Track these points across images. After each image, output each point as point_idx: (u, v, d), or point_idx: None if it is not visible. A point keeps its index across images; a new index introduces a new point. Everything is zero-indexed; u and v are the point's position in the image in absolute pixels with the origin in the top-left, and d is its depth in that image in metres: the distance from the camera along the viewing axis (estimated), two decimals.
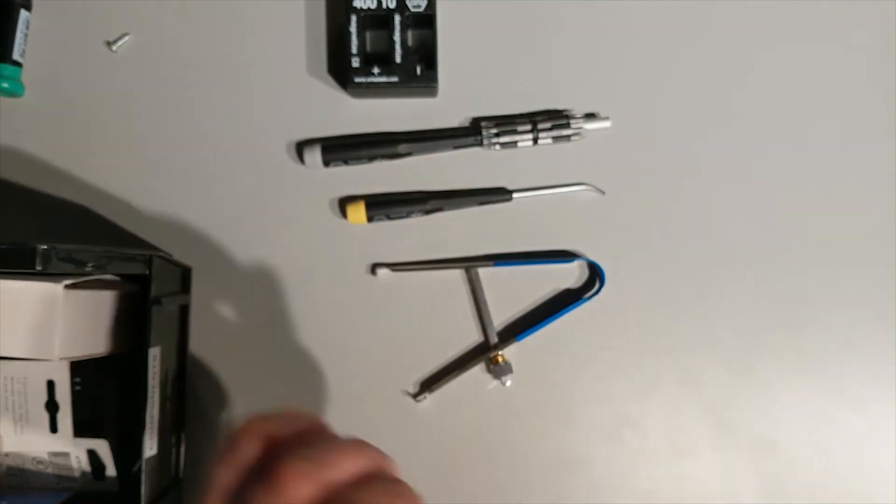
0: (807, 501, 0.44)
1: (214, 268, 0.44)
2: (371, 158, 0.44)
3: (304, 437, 0.29)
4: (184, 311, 0.43)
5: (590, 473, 0.44)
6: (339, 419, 0.44)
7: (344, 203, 0.45)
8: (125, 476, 0.40)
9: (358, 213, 0.44)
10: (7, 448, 0.39)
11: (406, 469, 0.44)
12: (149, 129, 0.45)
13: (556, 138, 0.44)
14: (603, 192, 0.45)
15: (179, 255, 0.44)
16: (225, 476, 0.29)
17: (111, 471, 0.40)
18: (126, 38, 0.45)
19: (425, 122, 0.45)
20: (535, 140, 0.44)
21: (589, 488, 0.44)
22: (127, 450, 0.40)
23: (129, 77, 0.45)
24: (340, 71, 0.44)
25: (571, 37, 0.45)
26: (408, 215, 0.44)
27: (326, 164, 0.44)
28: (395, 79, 0.43)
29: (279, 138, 0.45)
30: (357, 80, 0.43)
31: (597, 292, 0.44)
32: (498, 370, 0.44)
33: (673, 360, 0.45)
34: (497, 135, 0.44)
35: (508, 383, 0.44)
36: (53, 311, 0.35)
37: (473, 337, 0.45)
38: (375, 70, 0.43)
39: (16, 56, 0.43)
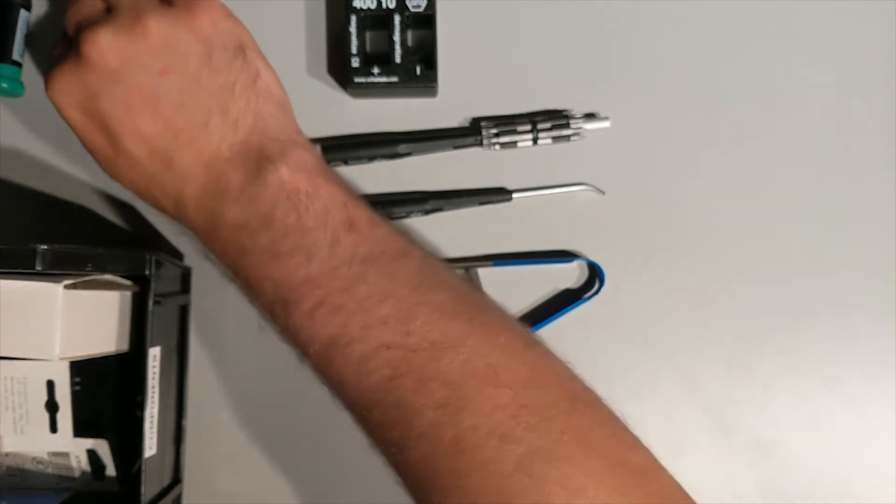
0: (806, 501, 0.44)
1: (214, 268, 0.44)
2: (371, 158, 0.44)
3: None
4: (184, 311, 0.43)
5: None
6: (339, 420, 0.44)
7: None
8: (125, 476, 0.40)
9: None
10: (7, 448, 0.39)
11: None
12: None
13: (555, 138, 0.44)
14: (603, 192, 0.45)
15: (179, 256, 0.44)
16: None
17: (111, 471, 0.40)
18: None
19: (425, 122, 0.45)
20: (535, 140, 0.44)
21: None
22: (127, 450, 0.40)
23: None
24: (340, 71, 0.44)
25: (571, 37, 0.45)
26: (407, 215, 0.44)
27: (326, 164, 0.44)
28: (394, 79, 0.43)
29: None
30: (357, 80, 0.43)
31: (597, 292, 0.44)
32: None
33: (673, 360, 0.45)
34: (497, 135, 0.44)
35: None
36: (53, 311, 0.35)
37: None
38: (375, 70, 0.43)
39: (16, 56, 0.43)
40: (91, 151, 0.37)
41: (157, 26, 0.34)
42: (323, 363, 0.35)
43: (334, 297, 0.33)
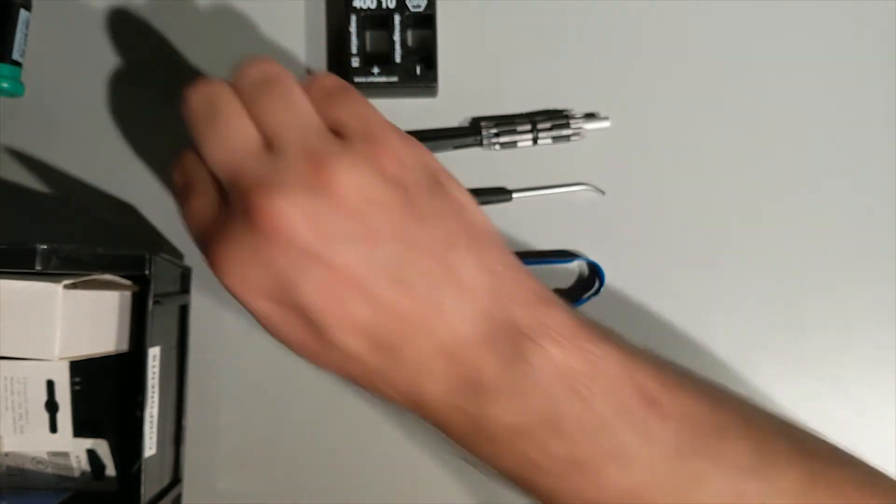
0: None
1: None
2: None
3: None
4: (184, 311, 0.43)
5: None
6: (340, 419, 0.44)
7: None
8: (125, 476, 0.40)
9: None
10: (7, 448, 0.39)
11: (410, 470, 0.44)
12: (149, 129, 0.45)
13: (555, 138, 0.44)
14: (603, 192, 0.45)
15: (179, 256, 0.44)
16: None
17: (111, 471, 0.40)
18: None
19: (425, 122, 0.45)
20: (535, 140, 0.44)
21: None
22: (127, 450, 0.40)
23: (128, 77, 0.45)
24: (340, 71, 0.44)
25: (571, 37, 0.45)
26: None
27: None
28: (394, 79, 0.43)
29: None
30: (357, 80, 0.43)
31: (597, 292, 0.44)
32: None
33: (672, 359, 0.44)
34: (497, 135, 0.44)
35: None
36: (53, 311, 0.35)
37: None
38: (375, 70, 0.43)
39: (16, 56, 0.43)
40: (291, 347, 0.29)
41: (347, 177, 0.26)
42: None
43: None
